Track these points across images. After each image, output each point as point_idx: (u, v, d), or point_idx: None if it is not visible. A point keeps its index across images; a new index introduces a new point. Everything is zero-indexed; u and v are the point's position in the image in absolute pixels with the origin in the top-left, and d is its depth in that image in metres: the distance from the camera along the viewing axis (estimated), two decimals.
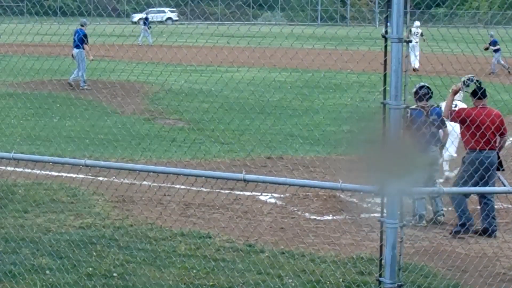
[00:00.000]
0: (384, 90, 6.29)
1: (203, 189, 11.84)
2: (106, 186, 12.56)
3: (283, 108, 20.41)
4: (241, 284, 9.02)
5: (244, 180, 7.23)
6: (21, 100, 20.33)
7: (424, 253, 10.04)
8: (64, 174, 13.57)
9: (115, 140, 15.82)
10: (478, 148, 11.03)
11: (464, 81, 11.45)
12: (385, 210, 6.40)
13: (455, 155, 14.40)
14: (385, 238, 6.39)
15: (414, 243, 10.62)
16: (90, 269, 9.32)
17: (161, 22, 67.42)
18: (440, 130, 12.07)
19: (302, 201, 12.91)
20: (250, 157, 15.59)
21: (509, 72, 34.15)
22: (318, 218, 12.04)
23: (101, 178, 13.33)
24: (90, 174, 13.49)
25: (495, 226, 11.30)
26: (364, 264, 9.67)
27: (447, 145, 13.10)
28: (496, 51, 34.03)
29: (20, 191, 12.76)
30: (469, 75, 11.51)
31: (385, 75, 6.29)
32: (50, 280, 8.95)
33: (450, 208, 11.80)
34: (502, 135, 11.39)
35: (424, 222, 11.70)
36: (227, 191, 12.48)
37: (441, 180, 13.65)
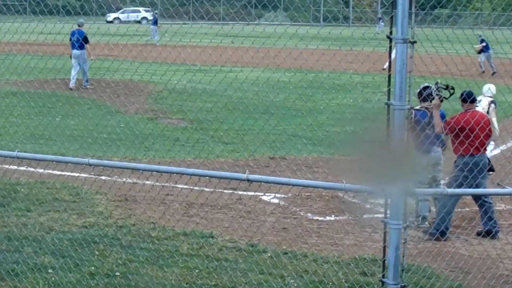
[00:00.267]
0: (389, 90, 6.28)
1: (206, 188, 11.83)
2: (109, 185, 12.56)
3: (286, 108, 20.41)
4: (243, 284, 9.01)
5: (247, 180, 7.22)
6: (24, 99, 20.31)
7: (427, 254, 10.03)
8: (67, 173, 13.57)
9: (118, 139, 15.82)
10: (473, 152, 11.05)
11: (434, 91, 11.44)
12: (388, 211, 6.39)
13: None
14: (389, 239, 6.37)
15: (417, 244, 10.61)
16: (93, 268, 9.32)
17: (136, 21, 67.58)
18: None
19: (305, 202, 12.90)
20: (253, 157, 15.58)
21: (493, 73, 34.23)
22: (321, 218, 12.03)
23: (104, 177, 13.33)
24: (93, 173, 13.48)
25: (497, 227, 11.29)
26: (367, 265, 9.66)
27: None
28: (484, 49, 34.12)
29: (23, 189, 12.75)
30: (434, 84, 11.47)
31: (389, 76, 6.28)
32: (53, 279, 8.94)
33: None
34: (489, 137, 11.50)
35: (427, 223, 11.68)
36: (230, 191, 12.47)
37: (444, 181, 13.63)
